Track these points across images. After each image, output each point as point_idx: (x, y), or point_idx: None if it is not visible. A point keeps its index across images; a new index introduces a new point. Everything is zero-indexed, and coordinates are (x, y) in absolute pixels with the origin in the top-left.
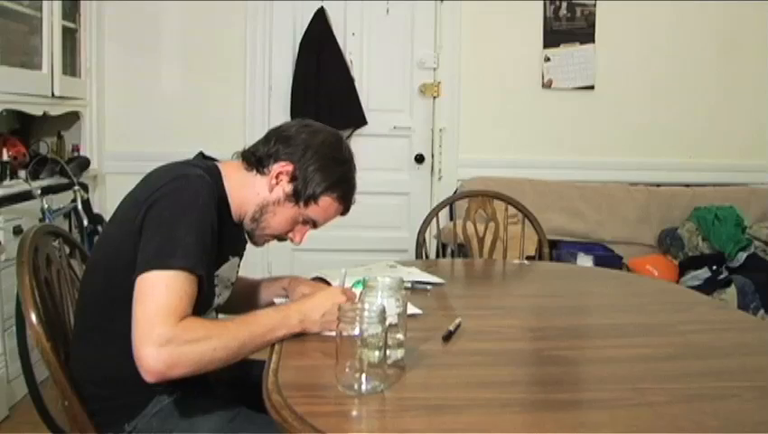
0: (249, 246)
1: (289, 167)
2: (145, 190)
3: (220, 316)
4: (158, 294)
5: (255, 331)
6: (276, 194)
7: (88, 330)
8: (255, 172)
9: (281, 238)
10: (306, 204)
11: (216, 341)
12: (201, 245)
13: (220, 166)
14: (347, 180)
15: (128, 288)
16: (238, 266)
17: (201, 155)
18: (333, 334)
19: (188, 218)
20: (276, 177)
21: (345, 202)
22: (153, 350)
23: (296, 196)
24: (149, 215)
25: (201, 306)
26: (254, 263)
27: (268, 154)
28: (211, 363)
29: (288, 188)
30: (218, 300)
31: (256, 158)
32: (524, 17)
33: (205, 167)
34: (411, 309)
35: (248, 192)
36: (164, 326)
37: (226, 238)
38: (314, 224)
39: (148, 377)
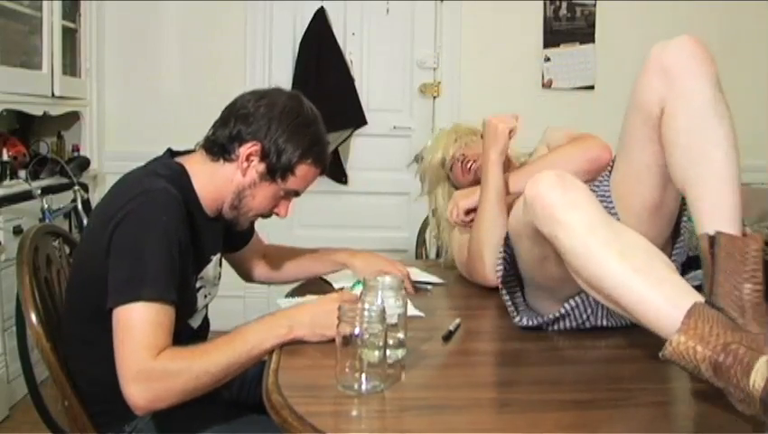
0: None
1: (257, 146)
2: (109, 207)
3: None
4: (132, 329)
5: (240, 349)
6: (250, 177)
7: (75, 337)
8: (221, 160)
9: (265, 216)
10: (284, 178)
11: (197, 369)
12: (169, 267)
13: (186, 165)
14: (318, 140)
15: (104, 303)
16: (221, 260)
17: (170, 151)
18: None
19: (153, 240)
20: (247, 159)
21: (321, 164)
22: (135, 388)
23: (272, 173)
24: (114, 239)
25: (183, 314)
26: None
27: (230, 137)
28: (197, 390)
29: (261, 167)
30: (206, 300)
31: (218, 146)
32: (524, 17)
33: (169, 174)
34: (412, 311)
35: (220, 182)
36: (143, 363)
37: (203, 240)
38: (296, 194)
39: (137, 412)
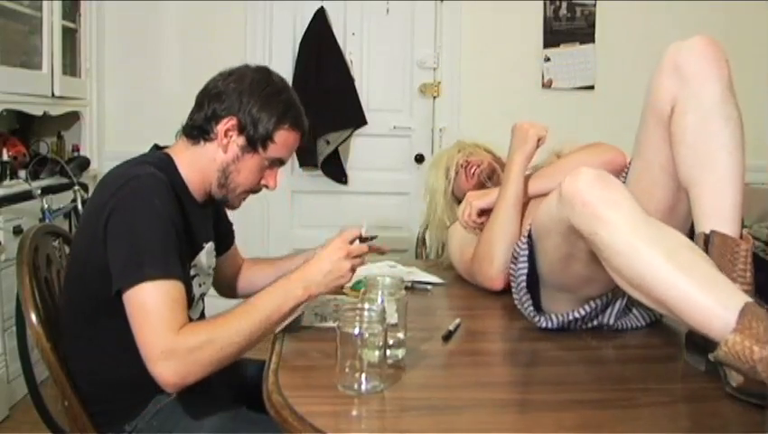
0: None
1: (233, 120)
2: (101, 196)
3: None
4: (148, 311)
5: (258, 317)
6: (231, 152)
7: (75, 334)
8: (202, 142)
9: (255, 190)
10: (265, 147)
11: (220, 340)
12: (166, 247)
13: (171, 153)
14: (291, 105)
15: (105, 297)
16: (214, 249)
17: (156, 147)
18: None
19: (147, 220)
20: (225, 135)
21: (300, 128)
22: (162, 367)
23: (252, 144)
24: (110, 226)
25: None
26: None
27: (207, 118)
28: (224, 360)
29: (241, 141)
30: (201, 289)
31: (196, 128)
32: (524, 17)
33: (157, 161)
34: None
35: (204, 164)
36: (165, 342)
37: (195, 226)
38: (281, 162)
39: (169, 390)
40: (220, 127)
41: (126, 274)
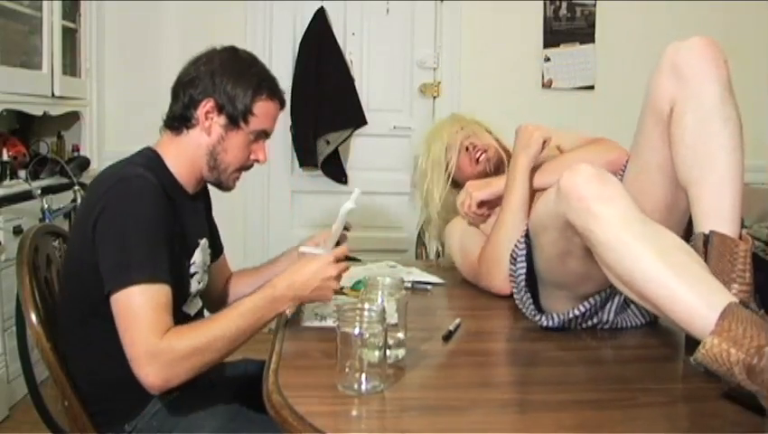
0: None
1: (211, 102)
2: (91, 197)
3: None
4: (134, 315)
5: (241, 324)
6: (215, 133)
7: (75, 337)
8: (185, 130)
9: (246, 167)
10: (246, 122)
11: (204, 345)
12: (154, 250)
13: (157, 149)
14: (265, 76)
15: (98, 297)
16: (209, 246)
17: (147, 149)
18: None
19: (134, 223)
20: (206, 118)
21: (277, 96)
22: (147, 370)
23: (234, 121)
24: (99, 228)
25: (177, 300)
26: (253, 259)
27: (185, 105)
28: (206, 365)
29: (222, 120)
30: (199, 286)
31: (177, 119)
32: (524, 17)
33: (145, 161)
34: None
35: (191, 151)
36: (151, 345)
37: (188, 223)
38: (266, 134)
39: (153, 392)
40: (200, 111)
41: (114, 277)
